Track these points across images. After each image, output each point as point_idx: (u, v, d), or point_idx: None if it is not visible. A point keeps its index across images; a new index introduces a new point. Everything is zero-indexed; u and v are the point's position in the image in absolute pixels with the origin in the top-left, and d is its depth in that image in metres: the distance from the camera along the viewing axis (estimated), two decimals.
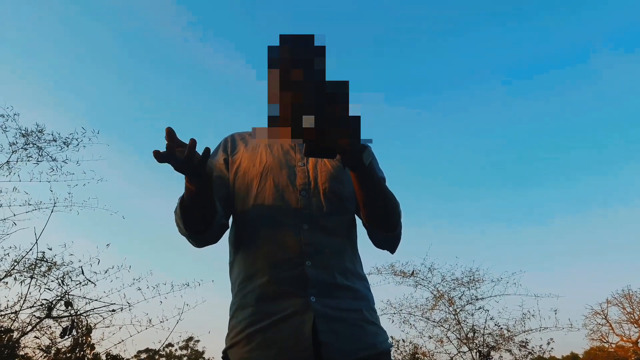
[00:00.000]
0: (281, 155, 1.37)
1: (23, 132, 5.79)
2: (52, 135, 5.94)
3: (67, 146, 5.96)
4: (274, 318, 1.16)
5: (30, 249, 5.24)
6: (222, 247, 1.40)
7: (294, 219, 1.26)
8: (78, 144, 5.94)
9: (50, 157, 5.91)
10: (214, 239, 1.32)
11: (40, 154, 5.88)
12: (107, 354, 5.28)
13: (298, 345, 1.12)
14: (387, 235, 1.32)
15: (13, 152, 5.75)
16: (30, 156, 5.83)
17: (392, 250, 1.37)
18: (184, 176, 1.13)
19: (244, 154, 1.41)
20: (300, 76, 1.25)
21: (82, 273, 5.29)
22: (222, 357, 1.25)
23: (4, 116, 5.69)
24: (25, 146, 5.83)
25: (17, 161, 5.74)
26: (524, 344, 8.37)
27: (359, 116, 1.03)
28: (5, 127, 5.70)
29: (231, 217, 1.39)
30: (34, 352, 5.16)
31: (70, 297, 5.15)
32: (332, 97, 1.02)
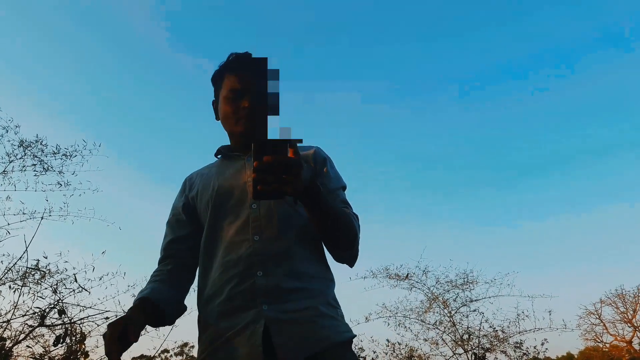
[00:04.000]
0: (231, 176, 1.42)
1: (21, 142, 5.77)
2: (56, 148, 5.94)
3: (70, 159, 5.96)
4: (230, 332, 1.22)
5: (20, 257, 5.21)
6: None
7: (246, 234, 1.31)
8: (82, 157, 5.94)
9: (53, 169, 5.90)
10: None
11: (43, 167, 5.87)
12: None
13: (251, 354, 1.17)
14: (345, 254, 1.37)
15: (10, 161, 5.74)
16: (27, 166, 5.80)
17: (350, 265, 1.42)
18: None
19: (199, 186, 1.48)
20: (247, 102, 1.39)
21: (76, 280, 5.26)
22: None
23: (5, 128, 5.69)
24: (24, 157, 5.82)
25: (12, 170, 5.72)
26: (518, 345, 8.41)
27: (300, 163, 1.09)
28: (8, 139, 5.70)
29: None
30: None
31: (64, 304, 5.12)
32: (273, 148, 1.09)
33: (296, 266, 1.29)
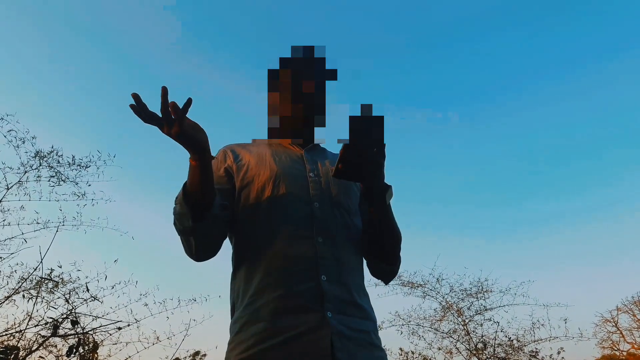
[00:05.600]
0: (290, 165, 1.32)
1: (37, 153, 5.85)
2: (72, 159, 6.00)
3: (85, 169, 6.02)
4: (289, 334, 1.09)
5: (37, 267, 5.25)
6: (228, 263, 1.35)
7: (308, 231, 1.21)
8: (97, 168, 5.98)
9: (70, 180, 5.96)
10: (218, 234, 1.25)
11: (59, 177, 5.93)
12: None
13: None
14: (388, 268, 1.34)
15: (25, 172, 5.80)
16: (42, 176, 5.88)
17: (387, 281, 1.38)
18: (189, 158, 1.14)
19: (250, 160, 1.34)
20: (312, 88, 1.37)
21: (87, 290, 5.29)
22: None
23: (21, 139, 5.76)
24: (39, 167, 5.89)
25: (27, 181, 5.78)
26: (534, 354, 8.29)
27: (384, 156, 1.12)
28: (25, 150, 5.78)
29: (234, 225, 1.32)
30: None
31: (77, 314, 5.14)
32: (369, 125, 1.09)
33: (355, 279, 1.24)
